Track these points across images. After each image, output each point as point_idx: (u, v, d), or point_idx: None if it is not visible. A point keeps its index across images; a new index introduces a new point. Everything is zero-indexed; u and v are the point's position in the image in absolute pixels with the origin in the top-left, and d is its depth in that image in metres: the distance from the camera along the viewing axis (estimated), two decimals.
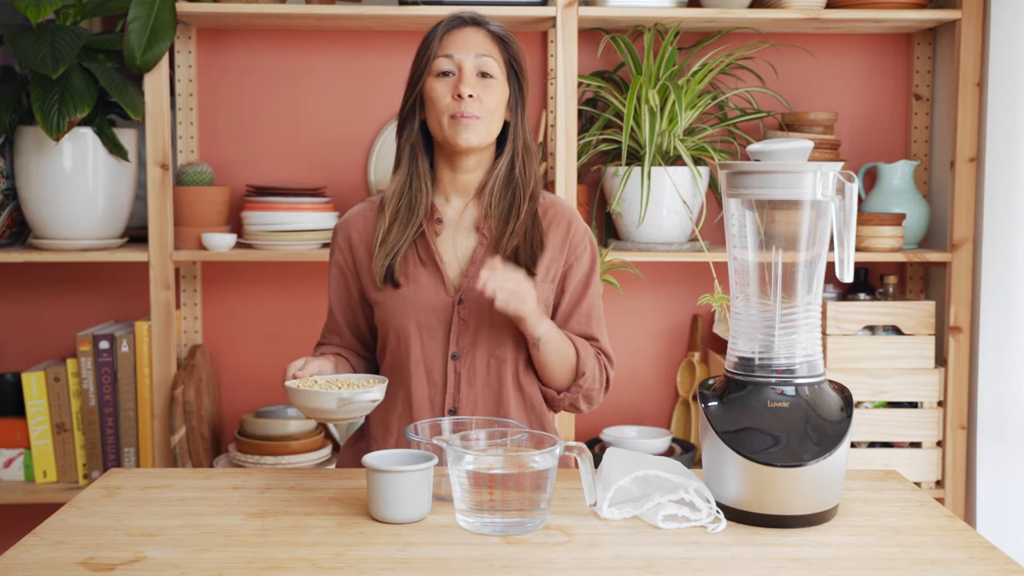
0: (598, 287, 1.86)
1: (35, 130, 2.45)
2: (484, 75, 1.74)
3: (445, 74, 1.74)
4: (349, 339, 1.89)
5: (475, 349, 1.77)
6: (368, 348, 1.91)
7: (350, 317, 1.88)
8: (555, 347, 1.75)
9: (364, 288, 1.83)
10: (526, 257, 1.76)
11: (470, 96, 1.72)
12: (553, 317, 1.83)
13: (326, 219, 2.56)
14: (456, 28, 1.76)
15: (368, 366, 1.91)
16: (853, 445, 2.55)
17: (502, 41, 1.78)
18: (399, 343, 1.79)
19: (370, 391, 1.55)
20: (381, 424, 1.82)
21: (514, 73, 1.79)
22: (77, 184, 2.48)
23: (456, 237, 1.80)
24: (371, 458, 1.45)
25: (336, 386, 1.59)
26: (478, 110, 1.73)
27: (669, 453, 2.64)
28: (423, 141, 1.81)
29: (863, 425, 2.56)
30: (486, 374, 1.77)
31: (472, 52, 1.74)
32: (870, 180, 2.79)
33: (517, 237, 1.76)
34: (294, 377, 1.62)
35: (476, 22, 1.78)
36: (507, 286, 1.64)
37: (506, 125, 1.81)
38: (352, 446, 1.91)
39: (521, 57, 1.80)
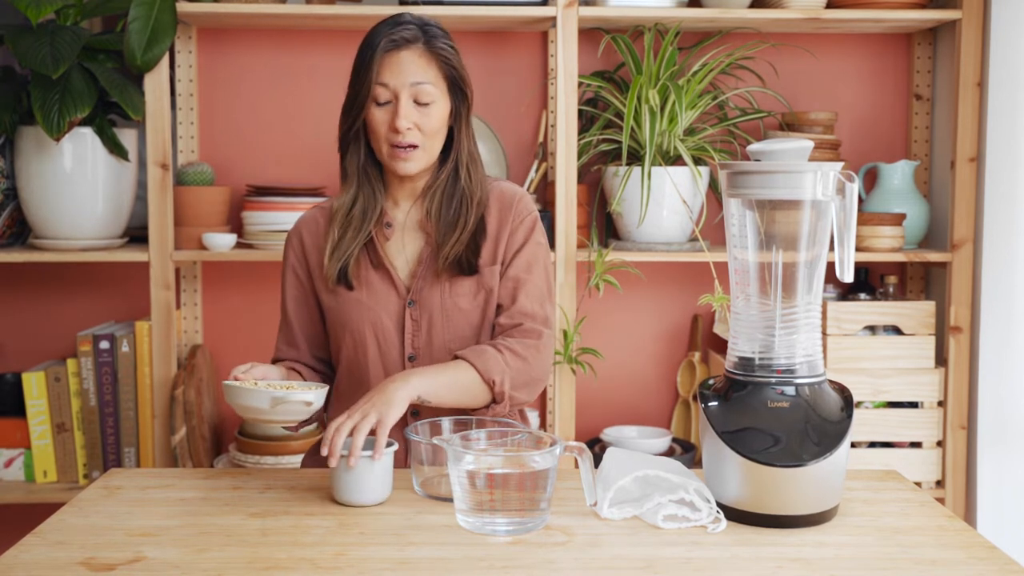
0: (534, 256, 1.80)
1: (35, 130, 2.46)
2: (421, 102, 1.72)
3: (383, 101, 1.72)
4: (306, 352, 1.87)
5: (431, 349, 1.77)
6: (325, 364, 1.89)
7: (308, 326, 1.86)
8: (442, 385, 1.66)
9: (317, 292, 1.83)
10: (467, 258, 1.76)
11: (408, 129, 1.71)
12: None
13: None
14: (391, 52, 1.71)
15: (325, 383, 1.86)
16: (853, 445, 2.55)
17: (440, 56, 1.73)
18: (355, 348, 1.78)
19: (304, 393, 1.52)
20: None
21: (456, 85, 1.76)
22: (77, 184, 2.48)
23: (404, 239, 1.81)
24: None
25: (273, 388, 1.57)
26: (416, 139, 1.72)
27: (669, 453, 2.64)
28: (372, 157, 1.80)
29: (863, 425, 2.56)
30: None
31: (407, 80, 1.70)
32: (870, 180, 2.79)
33: (461, 245, 1.75)
34: (235, 379, 1.59)
35: (412, 40, 1.72)
36: (350, 441, 1.52)
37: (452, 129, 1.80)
38: (315, 455, 1.89)
39: (462, 68, 1.76)
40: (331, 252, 1.78)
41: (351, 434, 1.52)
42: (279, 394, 1.51)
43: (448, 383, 1.67)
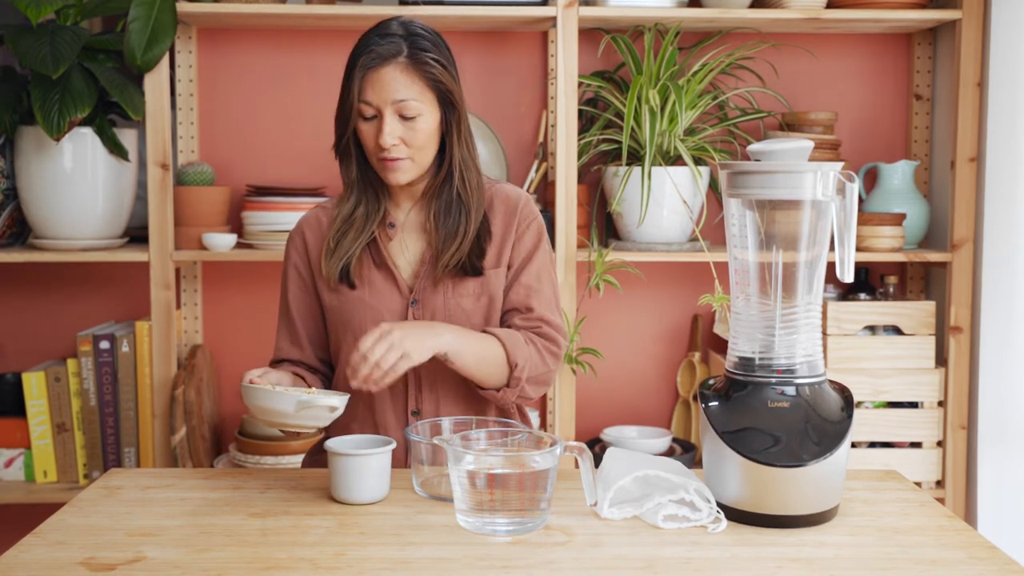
0: (544, 264, 1.82)
1: (35, 130, 2.46)
2: (406, 117, 1.70)
3: (368, 116, 1.72)
4: (310, 352, 1.86)
5: None
6: (327, 365, 1.89)
7: (311, 326, 1.85)
8: (470, 352, 1.69)
9: (319, 292, 1.83)
10: (470, 262, 1.76)
11: (393, 144, 1.70)
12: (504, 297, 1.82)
13: None
14: (372, 70, 1.69)
15: (326, 387, 1.86)
16: (853, 445, 2.55)
17: (424, 70, 1.70)
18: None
19: (329, 398, 1.53)
20: (344, 431, 1.79)
21: (443, 96, 1.73)
22: (77, 184, 2.48)
23: (406, 239, 1.81)
24: (332, 443, 1.53)
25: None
26: (404, 152, 1.71)
27: (669, 453, 2.64)
28: (369, 163, 1.79)
29: (863, 425, 2.56)
30: (446, 375, 1.75)
31: (390, 98, 1.69)
32: (870, 180, 2.79)
33: (462, 253, 1.75)
34: (251, 382, 1.59)
35: (393, 54, 1.69)
36: (376, 371, 1.58)
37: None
38: (315, 455, 1.90)
39: (449, 79, 1.73)
40: (331, 252, 1.78)
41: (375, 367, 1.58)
42: (305, 398, 1.51)
43: (475, 350, 1.69)
